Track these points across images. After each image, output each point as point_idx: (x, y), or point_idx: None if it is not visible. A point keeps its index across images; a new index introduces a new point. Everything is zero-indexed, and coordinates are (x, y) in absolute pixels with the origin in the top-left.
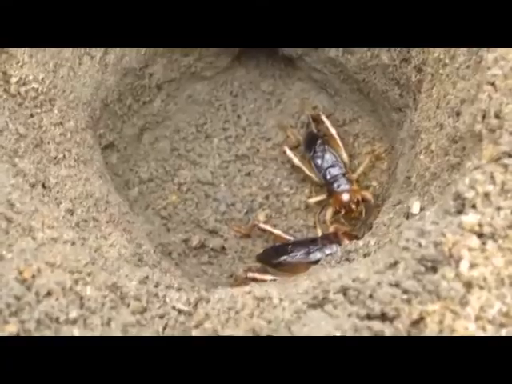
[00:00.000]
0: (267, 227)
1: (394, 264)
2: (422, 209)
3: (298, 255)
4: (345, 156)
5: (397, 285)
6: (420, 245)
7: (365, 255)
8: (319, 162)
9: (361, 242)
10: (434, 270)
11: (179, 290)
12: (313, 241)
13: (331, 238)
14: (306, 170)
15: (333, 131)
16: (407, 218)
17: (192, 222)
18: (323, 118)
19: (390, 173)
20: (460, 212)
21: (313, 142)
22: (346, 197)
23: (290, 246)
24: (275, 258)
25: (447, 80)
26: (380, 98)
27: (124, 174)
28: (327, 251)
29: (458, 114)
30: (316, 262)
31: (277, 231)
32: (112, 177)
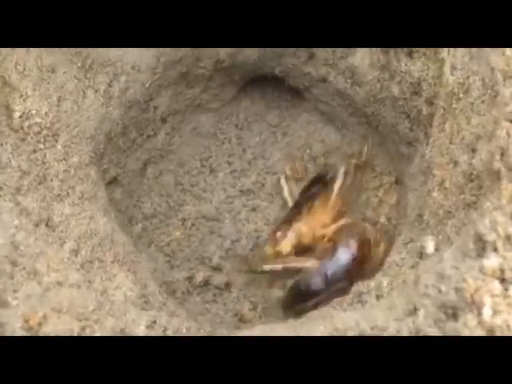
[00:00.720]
0: (275, 266)
1: (414, 311)
2: (436, 249)
3: (322, 287)
4: None
5: (417, 333)
6: (440, 290)
7: (377, 296)
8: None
9: (372, 283)
10: (455, 317)
11: None
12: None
13: (329, 250)
14: (288, 200)
15: (333, 195)
16: (421, 257)
17: (196, 259)
18: (339, 177)
19: (398, 208)
20: (480, 255)
21: (315, 181)
22: (277, 233)
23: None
24: (307, 302)
25: (461, 115)
26: (389, 131)
27: (127, 210)
28: (340, 262)
29: (473, 151)
30: None
31: (284, 265)
32: (115, 213)
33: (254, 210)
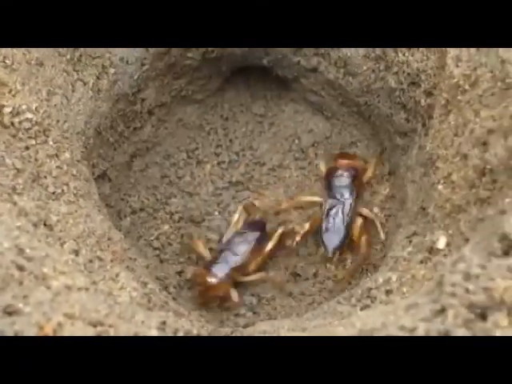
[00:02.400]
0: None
1: (441, 311)
2: (448, 244)
3: None
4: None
5: (446, 334)
6: (467, 290)
7: (387, 292)
8: None
9: (380, 279)
10: (483, 317)
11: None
12: None
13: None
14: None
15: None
16: (430, 252)
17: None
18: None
19: (392, 199)
20: (507, 254)
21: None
22: None
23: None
24: None
25: (467, 107)
26: (383, 121)
27: (116, 204)
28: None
29: (484, 145)
30: None
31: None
32: (105, 208)
33: (243, 201)
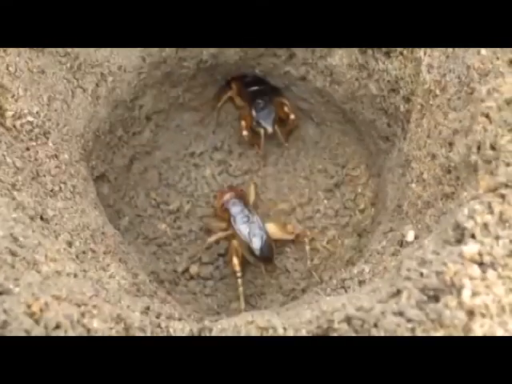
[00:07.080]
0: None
1: (397, 293)
2: (416, 237)
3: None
4: None
5: (401, 314)
6: (422, 274)
7: (360, 282)
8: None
9: (355, 270)
10: (436, 298)
11: (180, 320)
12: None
13: None
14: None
15: None
16: (401, 245)
17: (182, 249)
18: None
19: (376, 201)
20: (459, 241)
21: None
22: None
23: None
24: None
25: (438, 111)
26: (367, 127)
27: (115, 204)
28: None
29: (450, 145)
30: None
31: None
32: (104, 207)
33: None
